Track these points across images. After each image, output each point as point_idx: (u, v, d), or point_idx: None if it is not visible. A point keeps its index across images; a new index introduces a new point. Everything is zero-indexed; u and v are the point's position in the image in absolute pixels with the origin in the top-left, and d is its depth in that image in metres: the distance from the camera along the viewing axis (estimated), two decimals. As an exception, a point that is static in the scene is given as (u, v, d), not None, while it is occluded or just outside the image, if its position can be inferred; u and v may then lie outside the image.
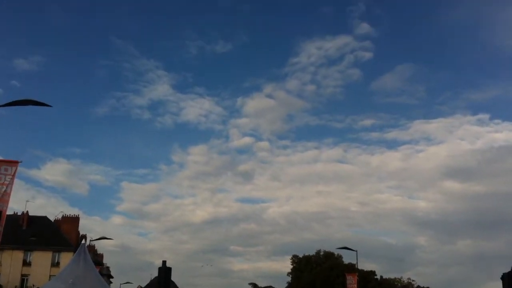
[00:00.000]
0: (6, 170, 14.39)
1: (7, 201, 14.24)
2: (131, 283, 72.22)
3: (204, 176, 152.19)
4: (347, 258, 68.42)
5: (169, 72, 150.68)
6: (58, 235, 62.06)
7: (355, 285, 37.89)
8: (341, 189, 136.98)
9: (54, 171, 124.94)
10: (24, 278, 59.51)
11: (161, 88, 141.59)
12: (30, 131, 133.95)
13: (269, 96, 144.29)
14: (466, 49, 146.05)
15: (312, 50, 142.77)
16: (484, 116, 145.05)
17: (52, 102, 18.41)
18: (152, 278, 77.45)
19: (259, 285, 79.83)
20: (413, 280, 76.73)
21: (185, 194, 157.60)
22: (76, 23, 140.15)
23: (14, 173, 14.39)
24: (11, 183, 14.27)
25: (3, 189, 14.05)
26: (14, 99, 17.49)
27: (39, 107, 17.87)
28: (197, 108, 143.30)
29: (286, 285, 77.30)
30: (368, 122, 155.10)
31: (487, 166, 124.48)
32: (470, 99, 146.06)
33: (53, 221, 64.82)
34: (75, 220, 65.07)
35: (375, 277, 70.13)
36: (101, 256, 76.18)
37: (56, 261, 60.24)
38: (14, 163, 14.85)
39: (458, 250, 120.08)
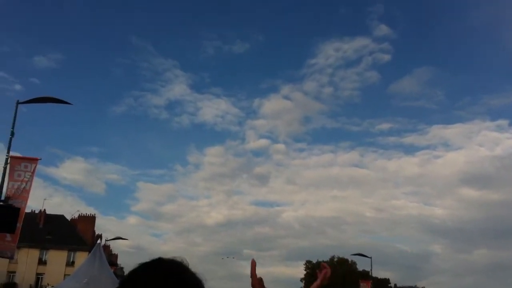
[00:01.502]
0: (26, 167, 14.58)
1: (26, 198, 14.41)
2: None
3: (219, 177, 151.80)
4: (361, 265, 67.95)
5: (186, 71, 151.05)
6: (74, 234, 62.59)
7: (369, 293, 37.61)
8: (356, 194, 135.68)
9: (71, 169, 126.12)
10: (39, 276, 60.09)
11: (178, 87, 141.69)
12: (48, 128, 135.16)
13: (286, 97, 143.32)
14: (486, 53, 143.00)
15: (330, 52, 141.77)
16: (504, 122, 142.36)
17: (70, 100, 18.59)
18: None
19: (272, 290, 79.41)
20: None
21: (200, 196, 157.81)
22: (94, 21, 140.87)
23: (34, 170, 14.58)
24: (30, 180, 14.46)
25: (23, 186, 14.23)
26: (34, 96, 17.71)
27: (58, 104, 18.07)
28: (213, 108, 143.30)
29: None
30: (385, 126, 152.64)
31: (506, 173, 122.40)
32: (490, 104, 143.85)
33: (69, 220, 65.41)
34: (91, 219, 65.62)
35: (389, 285, 69.50)
36: (116, 256, 76.59)
37: (71, 260, 60.77)
38: (34, 160, 15.03)
39: (474, 259, 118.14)
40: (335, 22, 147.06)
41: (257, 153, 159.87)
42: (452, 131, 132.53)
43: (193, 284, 1.39)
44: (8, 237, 14.85)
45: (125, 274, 1.52)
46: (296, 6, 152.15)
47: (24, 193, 14.19)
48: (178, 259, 1.44)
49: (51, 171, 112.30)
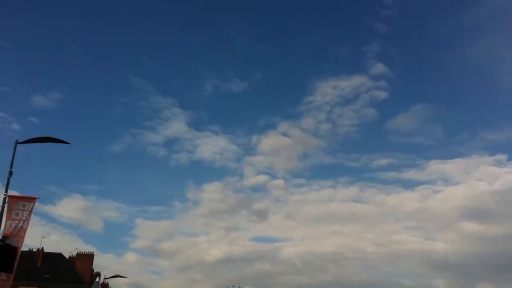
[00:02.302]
0: (24, 206, 14.72)
1: (23, 237, 14.49)
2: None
3: (218, 214, 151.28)
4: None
5: (184, 109, 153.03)
6: (72, 272, 61.90)
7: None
8: (357, 229, 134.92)
9: (69, 207, 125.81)
10: (37, 316, 59.12)
11: (176, 125, 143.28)
12: (46, 167, 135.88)
13: (284, 134, 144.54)
14: (482, 89, 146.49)
15: (327, 89, 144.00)
16: (502, 157, 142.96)
17: (69, 139, 18.84)
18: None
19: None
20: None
21: (199, 232, 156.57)
22: (94, 61, 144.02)
23: (32, 209, 14.72)
24: (27, 219, 14.57)
25: (20, 225, 14.34)
26: (33, 136, 17.98)
27: (56, 143, 18.33)
28: (212, 145, 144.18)
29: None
30: (384, 161, 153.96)
31: (506, 207, 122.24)
32: (487, 139, 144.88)
33: (67, 258, 64.81)
34: (89, 257, 64.97)
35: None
36: (115, 294, 75.70)
37: (69, 299, 59.87)
38: (32, 199, 15.18)
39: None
40: (332, 60, 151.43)
41: (256, 189, 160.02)
42: (451, 166, 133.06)
43: None
44: (3, 275, 14.85)
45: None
46: (294, 45, 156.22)
47: (21, 232, 14.29)
48: None
49: (49, 209, 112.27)
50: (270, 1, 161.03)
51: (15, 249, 13.42)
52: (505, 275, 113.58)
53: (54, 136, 18.22)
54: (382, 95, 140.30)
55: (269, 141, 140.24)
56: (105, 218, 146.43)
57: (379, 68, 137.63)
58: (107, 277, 50.69)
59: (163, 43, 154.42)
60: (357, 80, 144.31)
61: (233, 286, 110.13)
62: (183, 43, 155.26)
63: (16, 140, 17.84)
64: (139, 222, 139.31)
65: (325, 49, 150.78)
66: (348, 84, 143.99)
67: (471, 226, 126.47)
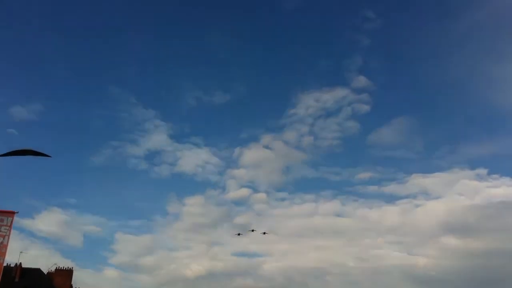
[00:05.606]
0: (2, 221, 14.31)
1: (4, 253, 14.10)
2: None
3: (200, 228, 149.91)
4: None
5: (166, 121, 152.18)
6: (50, 288, 60.72)
7: None
8: (339, 244, 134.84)
9: (48, 221, 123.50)
10: (13, 333, 57.71)
11: (158, 137, 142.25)
12: (25, 180, 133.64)
13: (267, 147, 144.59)
14: (463, 103, 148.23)
15: (310, 102, 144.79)
16: (483, 171, 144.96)
17: (49, 151, 18.49)
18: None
19: None
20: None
21: (180, 247, 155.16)
22: (75, 71, 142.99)
23: (11, 224, 14.32)
24: (7, 234, 14.17)
25: (0, 241, 13.93)
26: (12, 148, 17.63)
27: (36, 157, 17.94)
28: (194, 158, 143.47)
29: None
30: (365, 175, 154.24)
31: (486, 222, 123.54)
32: (468, 153, 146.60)
33: (46, 273, 63.57)
34: (68, 272, 63.78)
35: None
36: (94, 310, 74.41)
37: (47, 315, 58.64)
38: (11, 213, 14.78)
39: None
40: (315, 73, 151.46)
41: (238, 202, 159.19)
42: (432, 180, 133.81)
43: None
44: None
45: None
46: (277, 58, 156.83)
47: (2, 248, 13.88)
48: None
49: (27, 223, 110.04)
50: (253, 13, 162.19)
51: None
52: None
53: (34, 149, 17.87)
54: (364, 108, 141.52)
55: (251, 154, 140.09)
56: (85, 232, 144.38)
57: (361, 81, 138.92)
58: (86, 292, 49.78)
59: (145, 54, 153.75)
60: (340, 93, 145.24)
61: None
62: (166, 54, 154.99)
63: (-4, 153, 17.47)
64: (119, 237, 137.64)
65: (308, 61, 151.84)
66: (331, 96, 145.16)
67: (452, 241, 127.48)
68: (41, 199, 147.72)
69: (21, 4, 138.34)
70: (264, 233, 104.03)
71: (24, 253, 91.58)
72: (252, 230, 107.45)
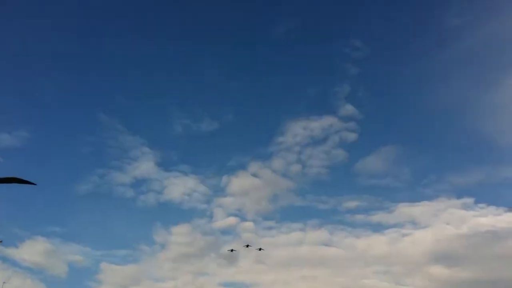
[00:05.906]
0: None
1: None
2: None
3: (186, 257, 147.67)
4: None
5: (153, 149, 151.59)
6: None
7: None
8: (326, 274, 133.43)
9: (32, 250, 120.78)
10: None
11: (145, 165, 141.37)
12: (9, 208, 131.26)
13: (255, 175, 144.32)
14: (450, 132, 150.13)
15: (298, 130, 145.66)
16: (469, 200, 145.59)
17: (34, 178, 18.15)
18: None
19: None
20: None
21: (166, 277, 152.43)
22: (62, 98, 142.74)
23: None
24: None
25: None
26: (-3, 176, 17.13)
27: (21, 184, 17.51)
28: (181, 186, 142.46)
29: None
30: (352, 204, 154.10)
31: (473, 251, 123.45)
32: (455, 182, 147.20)
33: (27, 305, 61.87)
34: (50, 304, 62.17)
35: None
36: None
37: None
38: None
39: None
40: (303, 101, 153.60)
41: (225, 231, 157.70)
42: (419, 209, 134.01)
43: None
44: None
45: None
46: (265, 85, 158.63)
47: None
48: None
49: (11, 252, 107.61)
50: (242, 41, 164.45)
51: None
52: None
53: (19, 177, 17.43)
54: (351, 136, 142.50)
55: (239, 182, 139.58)
56: (69, 262, 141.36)
57: (348, 109, 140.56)
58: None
59: (132, 81, 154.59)
60: (327, 121, 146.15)
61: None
62: (154, 81, 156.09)
63: (-21, 181, 16.95)
64: (104, 266, 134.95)
65: (296, 89, 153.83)
66: (319, 125, 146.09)
67: (439, 270, 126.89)
68: (25, 227, 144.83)
69: (7, 32, 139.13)
70: (260, 249, 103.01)
71: (7, 284, 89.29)
72: (247, 246, 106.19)
